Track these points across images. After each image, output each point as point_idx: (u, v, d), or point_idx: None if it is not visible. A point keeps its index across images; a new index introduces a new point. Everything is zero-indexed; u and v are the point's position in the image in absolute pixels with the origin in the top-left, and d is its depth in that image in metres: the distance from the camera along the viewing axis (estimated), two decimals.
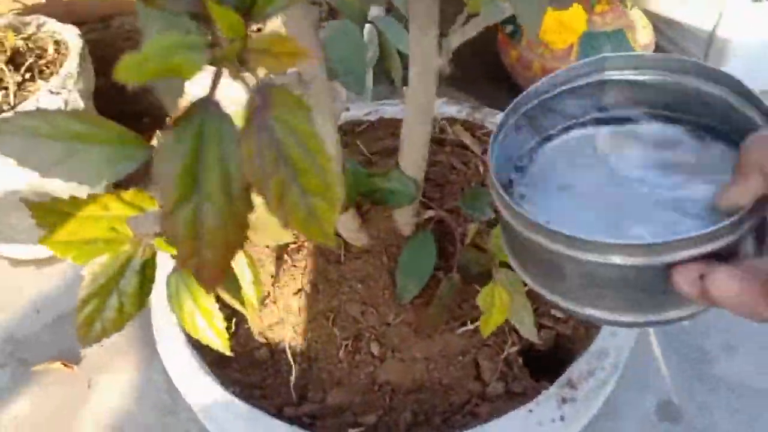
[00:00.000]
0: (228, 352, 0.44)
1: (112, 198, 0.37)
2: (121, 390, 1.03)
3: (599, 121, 0.44)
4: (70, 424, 0.99)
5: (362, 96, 0.56)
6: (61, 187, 1.13)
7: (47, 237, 0.36)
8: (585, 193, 0.39)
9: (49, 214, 0.34)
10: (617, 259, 0.33)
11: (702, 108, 0.39)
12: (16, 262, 1.25)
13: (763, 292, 0.30)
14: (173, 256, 0.45)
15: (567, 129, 0.44)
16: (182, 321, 0.44)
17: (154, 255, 0.44)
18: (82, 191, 0.41)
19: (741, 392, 1.03)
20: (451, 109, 0.78)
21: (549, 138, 0.44)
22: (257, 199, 0.49)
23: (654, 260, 0.32)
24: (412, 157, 0.54)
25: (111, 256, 0.42)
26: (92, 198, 0.35)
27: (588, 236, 0.33)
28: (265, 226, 0.48)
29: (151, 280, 0.44)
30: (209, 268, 0.22)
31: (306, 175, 0.20)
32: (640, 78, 0.42)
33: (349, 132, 0.77)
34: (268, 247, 0.62)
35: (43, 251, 1.24)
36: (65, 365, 1.05)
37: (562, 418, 0.49)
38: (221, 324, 0.44)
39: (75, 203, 0.34)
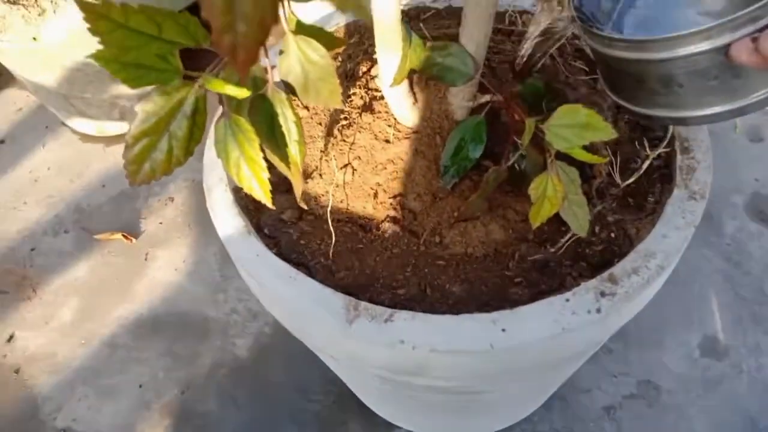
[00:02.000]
0: (269, 203, 0.45)
1: (167, 17, 0.36)
2: (175, 265, 1.08)
3: None
4: (125, 291, 1.05)
5: None
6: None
7: (100, 53, 0.36)
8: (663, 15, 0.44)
9: (100, 18, 0.34)
10: (682, 51, 0.38)
11: None
12: (86, 138, 1.31)
13: None
14: (220, 101, 0.45)
15: None
16: (228, 168, 0.45)
17: (204, 98, 0.44)
18: None
19: None
20: (525, 2, 0.74)
21: None
22: (313, 56, 0.48)
23: (716, 43, 0.36)
24: (474, 32, 0.52)
25: (163, 96, 0.42)
26: (142, 9, 0.35)
27: (651, 35, 0.39)
28: (317, 89, 0.47)
29: (201, 127, 0.45)
30: (244, 46, 0.22)
31: None
32: None
33: (413, 18, 0.75)
34: (319, 124, 0.62)
35: (112, 128, 1.29)
36: (125, 237, 1.11)
37: (598, 311, 0.47)
38: (265, 174, 0.44)
39: (125, 11, 0.34)
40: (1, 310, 1.05)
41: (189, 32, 0.38)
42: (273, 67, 0.46)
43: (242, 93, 0.41)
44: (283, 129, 0.47)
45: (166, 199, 1.17)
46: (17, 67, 1.14)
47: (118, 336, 1.00)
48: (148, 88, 0.42)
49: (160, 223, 1.13)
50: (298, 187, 0.51)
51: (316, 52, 0.46)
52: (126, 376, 0.95)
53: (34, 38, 1.04)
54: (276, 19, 0.21)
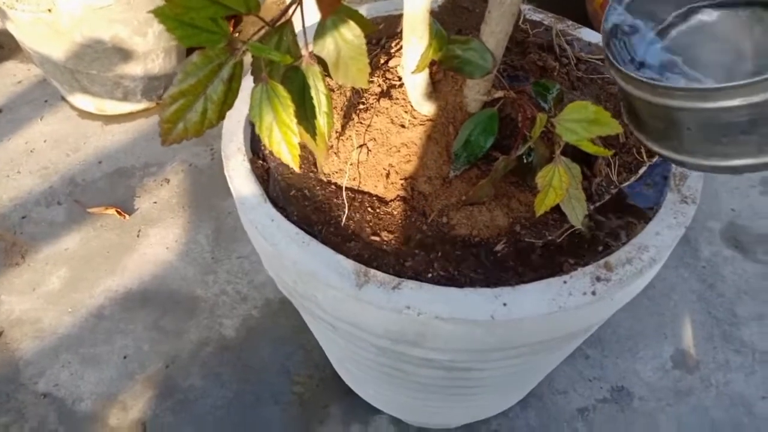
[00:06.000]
0: (296, 167, 0.47)
1: None
2: (167, 244, 1.08)
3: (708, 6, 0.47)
4: (115, 264, 1.06)
5: None
6: (142, 42, 1.17)
7: (161, 9, 0.39)
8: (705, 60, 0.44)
9: None
10: (737, 101, 0.35)
11: None
12: (85, 114, 1.31)
13: None
14: (254, 70, 0.48)
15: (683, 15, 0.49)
16: (260, 131, 0.47)
17: (241, 65, 0.46)
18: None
19: (765, 359, 1.04)
20: (536, 17, 0.78)
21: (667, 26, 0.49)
22: (348, 35, 0.51)
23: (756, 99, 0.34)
24: (496, 29, 0.55)
25: (204, 59, 0.45)
26: None
27: (703, 85, 0.37)
28: (347, 66, 0.50)
29: (235, 92, 0.47)
30: None
31: None
32: None
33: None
34: (335, 107, 0.64)
35: (112, 107, 1.29)
36: (119, 213, 1.12)
37: (593, 293, 0.51)
38: (296, 138, 0.47)
39: None
40: None
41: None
42: (308, 43, 0.49)
43: (285, 59, 0.44)
44: (314, 101, 0.50)
45: (162, 180, 1.18)
46: (27, 37, 1.15)
47: (105, 307, 1.00)
48: (168, 66, 0.44)
49: (155, 202, 1.14)
50: (322, 157, 0.54)
51: (352, 32, 0.49)
52: (111, 347, 0.96)
53: (49, 10, 1.05)
54: None
